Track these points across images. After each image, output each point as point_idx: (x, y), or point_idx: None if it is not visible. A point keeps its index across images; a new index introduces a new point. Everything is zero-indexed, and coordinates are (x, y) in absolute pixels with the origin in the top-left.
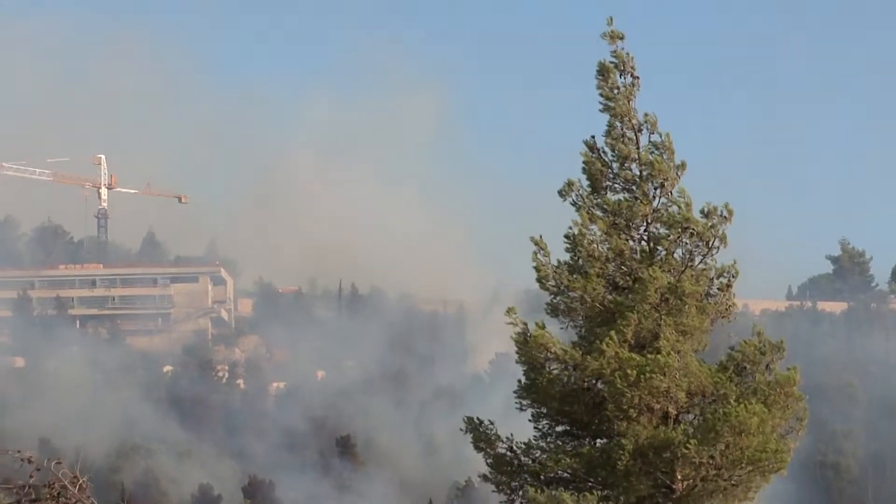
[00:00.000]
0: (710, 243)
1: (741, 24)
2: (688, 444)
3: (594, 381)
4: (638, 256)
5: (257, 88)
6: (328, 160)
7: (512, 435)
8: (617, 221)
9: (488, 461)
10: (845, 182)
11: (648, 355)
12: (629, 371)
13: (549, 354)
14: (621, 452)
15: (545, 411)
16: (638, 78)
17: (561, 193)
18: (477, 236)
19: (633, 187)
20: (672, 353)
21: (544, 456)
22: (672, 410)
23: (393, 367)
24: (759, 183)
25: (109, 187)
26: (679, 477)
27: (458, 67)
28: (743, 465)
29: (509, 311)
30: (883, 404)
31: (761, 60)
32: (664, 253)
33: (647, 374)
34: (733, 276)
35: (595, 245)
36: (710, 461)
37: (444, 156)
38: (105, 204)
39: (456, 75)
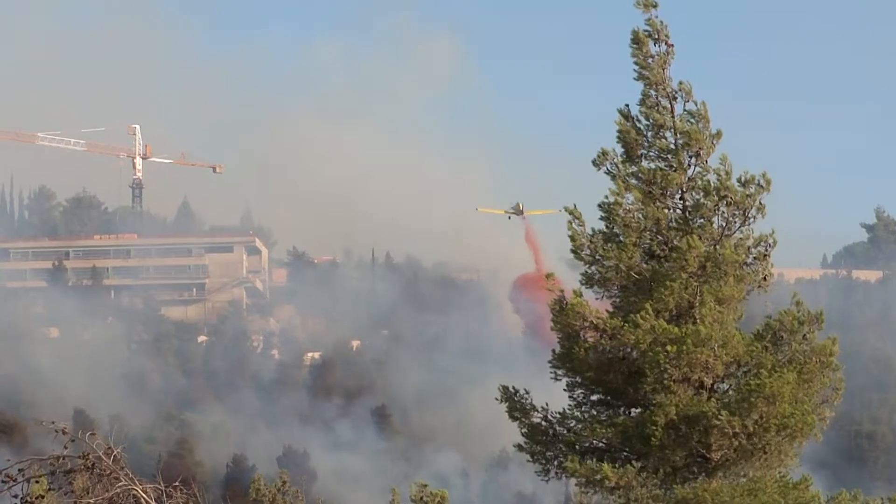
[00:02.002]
0: (748, 212)
1: None
2: (720, 415)
3: (630, 351)
4: (674, 225)
5: (279, 54)
6: (348, 124)
7: (547, 405)
8: (652, 190)
9: (523, 431)
10: (881, 149)
11: (686, 326)
12: (668, 346)
13: (585, 323)
14: (656, 424)
15: (580, 380)
16: (672, 46)
17: (595, 162)
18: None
19: (669, 156)
20: (714, 323)
21: (579, 426)
22: (708, 380)
23: (428, 337)
24: (793, 151)
25: (144, 157)
26: (714, 447)
27: (474, 18)
28: (774, 433)
29: (548, 277)
30: None
31: (793, 29)
32: (700, 222)
33: (689, 347)
34: (771, 245)
35: (631, 214)
36: (744, 431)
37: (464, 112)
38: (140, 174)
39: (473, 27)
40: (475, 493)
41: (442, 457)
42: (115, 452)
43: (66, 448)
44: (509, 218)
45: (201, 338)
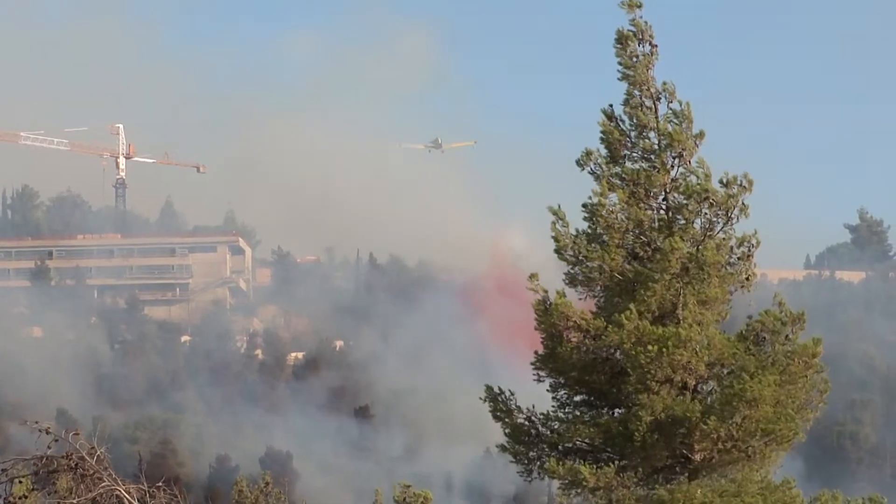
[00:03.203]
0: (730, 213)
1: None
2: (706, 420)
3: (613, 351)
4: (657, 226)
5: (261, 52)
6: (331, 122)
7: (533, 406)
8: (636, 191)
9: (506, 431)
10: (864, 150)
11: (669, 327)
12: (650, 345)
13: (569, 323)
14: (639, 424)
15: (563, 381)
16: (656, 46)
17: (579, 162)
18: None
19: (652, 156)
20: (694, 325)
21: (562, 426)
22: (691, 381)
23: (411, 336)
24: (776, 151)
25: (127, 157)
26: (696, 448)
27: (451, 12)
28: (758, 436)
29: (531, 277)
30: None
31: (776, 28)
32: (683, 223)
33: (669, 348)
34: (754, 246)
35: (614, 214)
36: (727, 434)
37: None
38: (123, 173)
39: (450, 22)
40: (458, 491)
41: (425, 455)
42: (99, 452)
43: (49, 448)
44: (429, 152)
45: (184, 338)
